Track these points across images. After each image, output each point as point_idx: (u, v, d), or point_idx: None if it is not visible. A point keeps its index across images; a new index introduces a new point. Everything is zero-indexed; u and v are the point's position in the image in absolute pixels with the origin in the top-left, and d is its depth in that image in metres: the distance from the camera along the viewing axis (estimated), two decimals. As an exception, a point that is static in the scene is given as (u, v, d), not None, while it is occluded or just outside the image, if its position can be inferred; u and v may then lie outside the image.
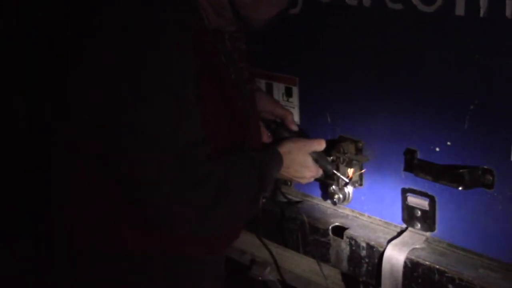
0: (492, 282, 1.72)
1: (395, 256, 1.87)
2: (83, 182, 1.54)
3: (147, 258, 1.62)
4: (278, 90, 2.17)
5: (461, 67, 1.71)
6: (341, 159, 1.99)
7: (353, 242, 1.98)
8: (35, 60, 1.52)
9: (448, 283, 1.77)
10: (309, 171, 1.88)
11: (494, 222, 1.76)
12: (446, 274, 1.77)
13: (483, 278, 1.74)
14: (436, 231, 1.88)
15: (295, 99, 2.14)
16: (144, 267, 1.63)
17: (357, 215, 2.08)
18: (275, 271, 2.27)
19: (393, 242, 1.90)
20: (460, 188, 1.75)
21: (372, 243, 1.94)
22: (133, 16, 1.40)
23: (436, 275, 1.79)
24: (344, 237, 2.00)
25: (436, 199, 1.85)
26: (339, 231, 2.02)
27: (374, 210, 2.04)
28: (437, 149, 1.82)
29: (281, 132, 1.94)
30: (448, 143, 1.79)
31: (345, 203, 2.05)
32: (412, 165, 1.86)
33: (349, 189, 2.03)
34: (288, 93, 2.15)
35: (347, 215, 2.10)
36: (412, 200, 1.90)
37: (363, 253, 1.96)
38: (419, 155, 1.85)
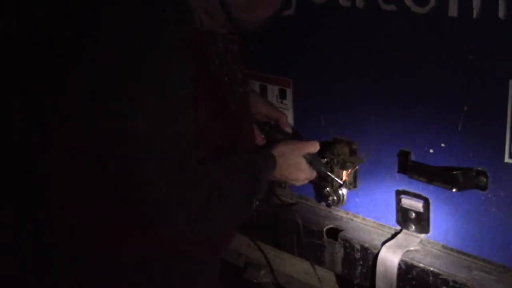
0: (486, 284, 1.72)
1: (389, 258, 1.86)
2: (81, 183, 1.54)
3: (143, 259, 1.62)
4: (272, 92, 2.17)
5: (455, 68, 1.71)
6: (335, 161, 1.98)
7: (347, 244, 1.98)
8: (34, 60, 1.52)
9: (442, 285, 1.77)
10: (303, 173, 1.88)
11: (488, 224, 1.75)
12: (440, 276, 1.77)
13: (477, 280, 1.73)
14: (430, 233, 1.88)
15: (289, 101, 2.14)
16: (141, 268, 1.62)
17: (352, 217, 2.08)
18: (269, 273, 2.27)
19: (387, 244, 1.90)
20: (454, 190, 1.74)
21: (366, 245, 1.94)
22: (133, 16, 1.41)
23: (430, 277, 1.79)
24: (339, 239, 1.99)
25: (430, 200, 1.85)
26: (334, 233, 2.02)
27: (368, 212, 2.04)
28: (431, 150, 1.81)
29: (275, 134, 1.93)
30: (442, 144, 1.79)
31: (339, 205, 2.05)
32: (406, 167, 1.86)
33: (343, 191, 2.03)
34: (282, 95, 2.15)
35: (342, 217, 2.10)
36: (406, 202, 1.90)
37: (358, 255, 1.95)
38: (413, 157, 1.85)
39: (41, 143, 1.54)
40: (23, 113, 1.56)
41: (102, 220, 1.56)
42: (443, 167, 1.78)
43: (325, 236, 2.03)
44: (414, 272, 1.82)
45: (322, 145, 1.93)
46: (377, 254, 1.89)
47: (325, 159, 1.97)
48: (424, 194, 1.86)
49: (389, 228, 1.98)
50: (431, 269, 1.79)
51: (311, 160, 1.89)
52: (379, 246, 1.90)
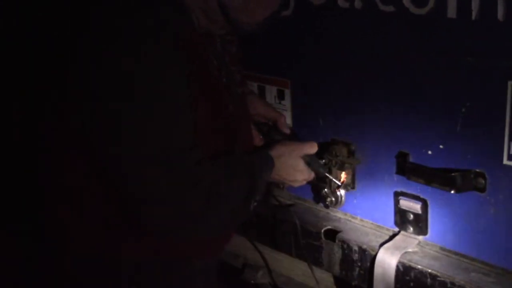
0: (484, 286, 1.72)
1: (387, 259, 1.86)
2: (81, 183, 1.54)
3: (143, 259, 1.62)
4: (271, 93, 2.17)
5: (453, 69, 1.70)
6: (333, 162, 1.98)
7: (345, 246, 1.97)
8: (34, 60, 1.52)
9: (440, 287, 1.77)
10: (301, 174, 1.88)
11: (487, 226, 1.75)
12: (438, 278, 1.77)
13: (475, 282, 1.73)
14: (428, 234, 1.88)
15: (287, 102, 2.14)
16: (140, 269, 1.62)
17: (350, 218, 2.08)
18: (267, 274, 2.27)
19: (385, 245, 1.90)
20: (452, 192, 1.74)
21: (364, 246, 1.93)
22: (133, 16, 1.41)
23: (428, 279, 1.79)
24: (337, 241, 1.99)
25: (429, 202, 1.85)
26: (332, 234, 2.02)
27: (366, 214, 2.03)
28: (430, 152, 1.81)
29: (273, 135, 1.93)
30: (441, 146, 1.79)
31: (337, 206, 2.05)
32: (405, 168, 1.85)
33: (341, 192, 2.03)
34: (281, 96, 2.15)
35: (340, 218, 2.10)
36: (404, 203, 1.89)
37: (355, 256, 1.95)
38: (411, 158, 1.85)
39: (41, 143, 1.54)
40: (23, 113, 1.56)
41: (102, 220, 1.56)
42: (441, 168, 1.78)
43: (323, 237, 2.03)
44: (412, 274, 1.81)
45: (320, 146, 1.93)
46: (375, 256, 1.89)
47: (323, 160, 1.97)
48: (422, 196, 1.86)
49: (387, 229, 1.98)
50: (429, 271, 1.79)
51: (309, 161, 1.89)
52: (377, 247, 1.90)
